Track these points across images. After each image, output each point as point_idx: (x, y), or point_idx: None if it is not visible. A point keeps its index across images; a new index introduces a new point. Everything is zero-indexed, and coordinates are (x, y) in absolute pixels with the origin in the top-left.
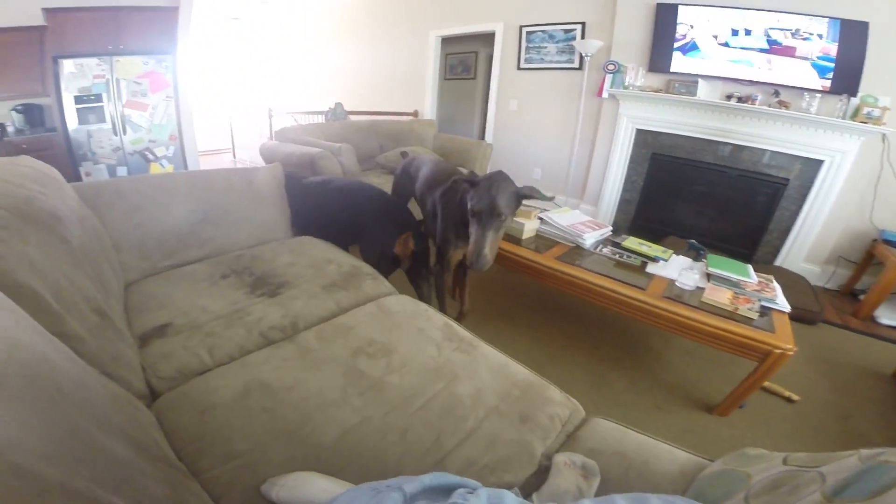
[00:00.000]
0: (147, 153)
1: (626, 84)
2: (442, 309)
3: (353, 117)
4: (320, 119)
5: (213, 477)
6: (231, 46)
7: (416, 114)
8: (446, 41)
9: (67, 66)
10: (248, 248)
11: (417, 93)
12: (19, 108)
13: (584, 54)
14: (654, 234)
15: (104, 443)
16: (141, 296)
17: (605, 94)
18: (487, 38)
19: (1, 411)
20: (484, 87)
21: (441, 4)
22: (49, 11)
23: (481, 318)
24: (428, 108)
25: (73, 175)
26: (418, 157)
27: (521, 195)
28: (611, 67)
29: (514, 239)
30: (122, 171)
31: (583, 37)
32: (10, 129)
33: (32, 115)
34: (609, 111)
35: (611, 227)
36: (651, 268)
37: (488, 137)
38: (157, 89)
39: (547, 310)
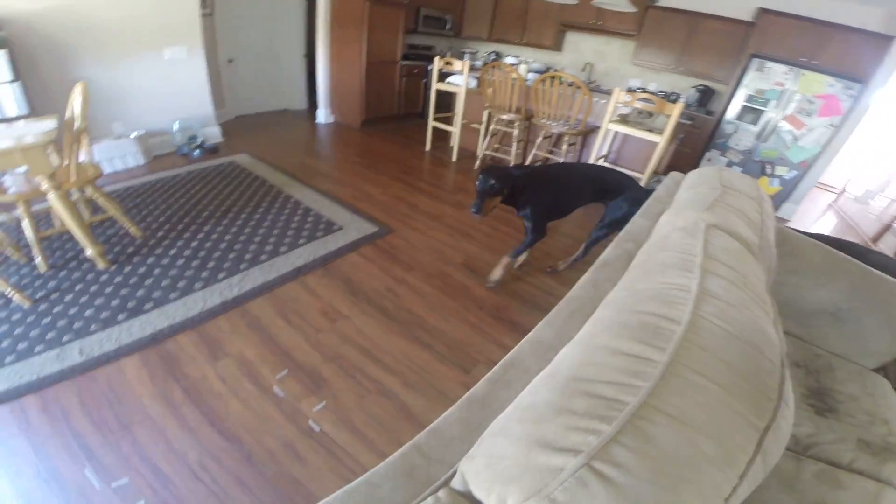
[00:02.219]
0: (767, 165)
1: None
2: None
3: None
4: None
5: None
6: None
7: None
8: None
9: (755, 65)
10: (829, 354)
11: None
12: (700, 87)
13: None
14: None
15: None
16: None
17: None
18: None
19: None
20: None
21: None
22: (763, 11)
23: None
24: None
25: (697, 155)
26: None
27: None
28: None
29: None
30: (736, 170)
31: None
32: (682, 100)
33: (704, 96)
34: None
35: None
36: None
37: None
38: (825, 114)
39: None
